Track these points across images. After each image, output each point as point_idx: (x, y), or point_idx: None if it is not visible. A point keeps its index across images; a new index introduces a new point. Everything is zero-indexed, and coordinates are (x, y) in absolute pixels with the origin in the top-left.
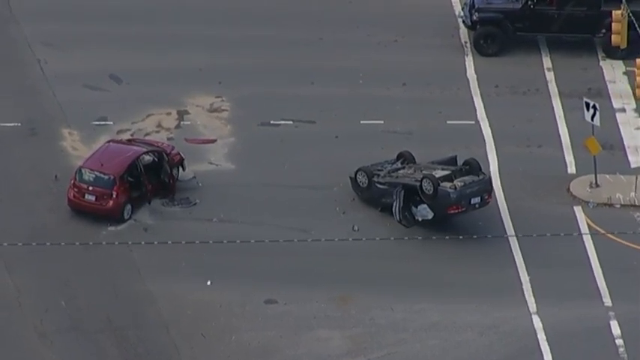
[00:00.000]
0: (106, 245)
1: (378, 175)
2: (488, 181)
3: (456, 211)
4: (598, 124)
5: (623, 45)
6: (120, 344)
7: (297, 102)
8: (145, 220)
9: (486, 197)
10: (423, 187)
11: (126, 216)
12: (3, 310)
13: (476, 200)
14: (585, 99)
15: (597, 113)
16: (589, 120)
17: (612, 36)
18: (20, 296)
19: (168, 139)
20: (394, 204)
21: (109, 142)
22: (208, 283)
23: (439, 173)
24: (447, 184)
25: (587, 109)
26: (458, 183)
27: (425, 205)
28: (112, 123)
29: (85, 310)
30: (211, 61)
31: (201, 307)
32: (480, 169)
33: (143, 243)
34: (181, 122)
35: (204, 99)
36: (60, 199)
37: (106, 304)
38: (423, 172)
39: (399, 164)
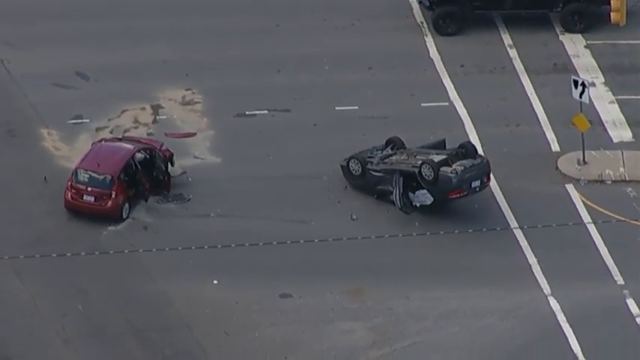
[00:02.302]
0: (112, 246)
1: (371, 163)
2: (487, 164)
3: (458, 195)
4: (587, 101)
5: (623, 22)
6: (146, 347)
7: (267, 91)
8: (143, 218)
9: (485, 180)
10: (423, 173)
11: (124, 215)
12: (22, 318)
13: (476, 184)
14: (573, 77)
15: (586, 90)
16: (577, 98)
17: (612, 13)
18: (36, 302)
19: (148, 134)
20: (394, 191)
21: (100, 141)
22: (215, 282)
23: (437, 158)
24: (447, 169)
25: (576, 87)
26: (458, 167)
27: (424, 191)
28: (88, 121)
29: (103, 314)
30: (173, 53)
31: (218, 305)
32: (476, 152)
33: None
34: (157, 117)
35: (174, 92)
36: (54, 201)
37: (123, 307)
38: (418, 157)
39: (389, 150)
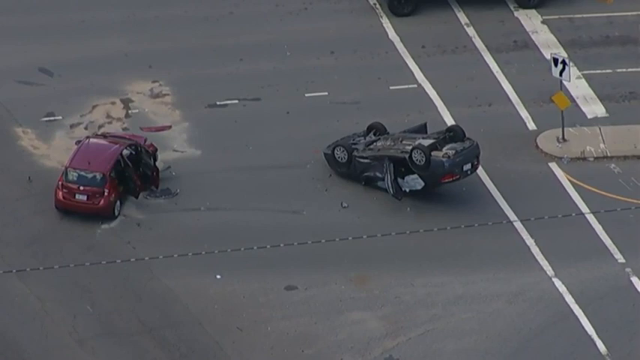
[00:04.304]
0: (108, 244)
1: (357, 150)
2: (477, 147)
3: (450, 179)
4: (568, 79)
5: (610, 1)
6: (161, 346)
7: (233, 80)
8: (135, 215)
9: (476, 163)
10: (414, 158)
11: (116, 213)
12: (34, 321)
13: (467, 167)
14: (553, 54)
15: (567, 68)
16: (557, 76)
17: None
18: (44, 305)
19: (124, 129)
20: (385, 178)
21: (87, 138)
22: (218, 277)
23: (426, 142)
24: (439, 154)
25: (555, 65)
26: (449, 151)
27: (414, 176)
28: (61, 117)
29: (112, 314)
30: (132, 45)
31: (226, 300)
32: (465, 135)
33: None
34: (129, 111)
35: (141, 85)
36: (42, 201)
37: (131, 305)
38: (405, 142)
39: (372, 136)
